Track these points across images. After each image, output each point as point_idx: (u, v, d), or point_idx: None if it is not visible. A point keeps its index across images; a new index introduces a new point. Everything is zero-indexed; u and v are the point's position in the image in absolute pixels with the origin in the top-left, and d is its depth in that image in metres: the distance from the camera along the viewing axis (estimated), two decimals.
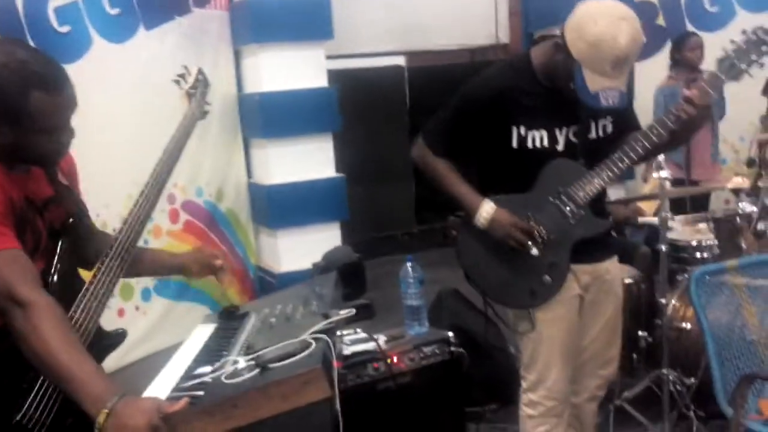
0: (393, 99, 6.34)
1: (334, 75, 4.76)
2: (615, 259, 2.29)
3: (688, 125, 2.01)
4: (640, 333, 2.94)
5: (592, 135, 2.11)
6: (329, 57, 4.74)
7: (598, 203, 2.16)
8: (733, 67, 1.99)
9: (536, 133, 2.06)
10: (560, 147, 2.08)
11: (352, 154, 5.22)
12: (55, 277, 1.53)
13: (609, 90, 1.90)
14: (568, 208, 2.06)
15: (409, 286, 2.47)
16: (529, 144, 2.07)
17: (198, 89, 1.90)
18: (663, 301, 2.80)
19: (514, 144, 2.07)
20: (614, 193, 3.93)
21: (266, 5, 4.37)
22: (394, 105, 6.37)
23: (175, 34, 4.36)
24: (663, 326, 2.79)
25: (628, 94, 1.98)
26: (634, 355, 2.99)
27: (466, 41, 5.78)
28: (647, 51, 5.32)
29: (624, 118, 2.15)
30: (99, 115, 3.94)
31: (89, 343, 1.45)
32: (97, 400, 1.25)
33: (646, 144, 2.01)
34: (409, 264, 2.46)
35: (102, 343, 1.58)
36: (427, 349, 2.45)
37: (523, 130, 2.06)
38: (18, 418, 1.35)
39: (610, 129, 2.13)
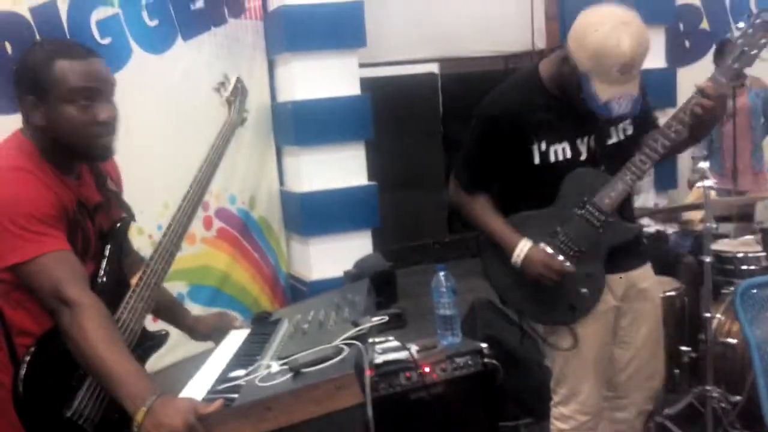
0: (426, 107, 6.32)
1: (367, 83, 4.77)
2: (649, 265, 2.25)
3: (706, 119, 1.94)
4: (683, 348, 2.85)
5: (613, 139, 2.08)
6: (362, 65, 4.74)
7: (625, 208, 2.13)
8: (743, 54, 1.93)
9: (558, 147, 2.04)
10: (583, 157, 2.06)
11: (385, 161, 5.21)
12: (104, 279, 1.58)
13: (619, 97, 1.86)
14: (595, 217, 2.03)
15: (441, 296, 2.44)
16: (552, 158, 2.05)
17: (237, 97, 1.95)
18: (707, 315, 2.70)
19: (537, 160, 2.05)
20: (657, 202, 3.83)
21: (300, 14, 4.42)
22: (427, 113, 6.35)
23: (212, 44, 4.43)
24: (707, 341, 2.69)
25: (644, 97, 1.95)
26: (677, 371, 2.90)
27: (501, 48, 5.73)
28: (691, 56, 5.22)
29: (644, 119, 2.11)
30: (138, 124, 4.01)
31: (134, 344, 1.51)
32: (136, 398, 1.30)
33: (666, 142, 1.97)
34: (441, 273, 2.43)
35: (146, 343, 1.64)
36: (459, 360, 2.41)
37: (543, 146, 2.03)
38: (68, 414, 1.40)
39: (630, 131, 2.10)
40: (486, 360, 2.44)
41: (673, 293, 2.96)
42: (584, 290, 2.05)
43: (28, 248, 1.41)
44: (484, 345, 2.47)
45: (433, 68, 6.19)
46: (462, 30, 5.52)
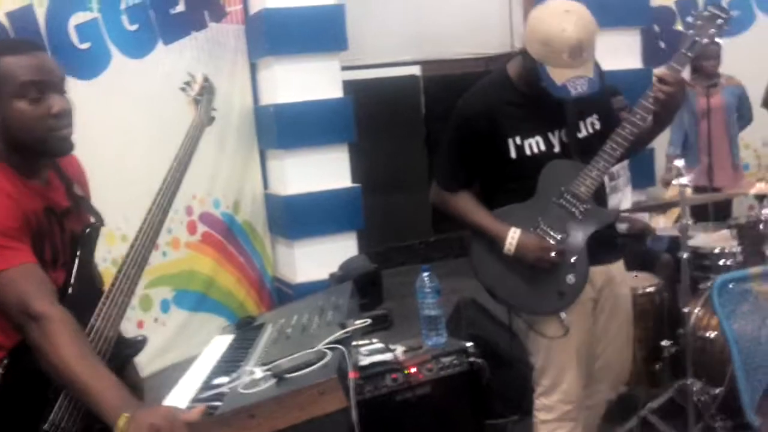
0: (408, 108, 6.33)
1: (349, 85, 4.77)
2: (622, 261, 2.33)
3: (669, 104, 2.08)
4: (663, 343, 2.88)
5: (582, 133, 2.18)
6: (345, 68, 4.75)
7: (600, 195, 2.22)
8: (695, 43, 2.08)
9: (532, 141, 2.13)
10: (557, 149, 2.14)
11: (369, 163, 5.21)
12: (75, 287, 1.54)
13: (575, 79, 1.97)
14: (573, 205, 2.11)
15: (425, 296, 2.44)
16: (527, 151, 2.13)
17: (204, 96, 1.93)
18: (686, 310, 2.74)
19: (513, 155, 2.12)
20: (635, 199, 3.87)
21: (281, 18, 4.41)
22: (410, 114, 6.36)
23: (193, 48, 4.42)
24: (686, 335, 2.74)
25: (601, 82, 2.05)
26: (658, 365, 2.94)
27: (482, 50, 5.76)
28: (667, 56, 5.27)
29: (609, 114, 2.24)
30: (118, 129, 3.99)
31: (110, 351, 1.47)
32: (117, 409, 1.28)
33: (634, 129, 2.07)
34: (425, 274, 2.44)
35: (123, 350, 1.60)
36: (445, 360, 2.41)
37: (518, 140, 2.12)
38: (45, 428, 1.37)
39: (598, 126, 2.20)
40: (472, 359, 2.45)
41: (652, 289, 2.99)
42: (570, 277, 2.11)
43: None
44: (469, 344, 2.49)
45: (415, 70, 6.20)
46: (443, 32, 5.54)
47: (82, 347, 1.34)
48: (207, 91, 1.94)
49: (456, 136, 2.19)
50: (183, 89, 1.96)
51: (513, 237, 2.11)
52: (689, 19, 2.13)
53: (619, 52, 4.74)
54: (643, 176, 4.54)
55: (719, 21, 2.08)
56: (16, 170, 1.49)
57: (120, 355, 1.57)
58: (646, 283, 3.06)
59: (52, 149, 1.52)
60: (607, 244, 2.21)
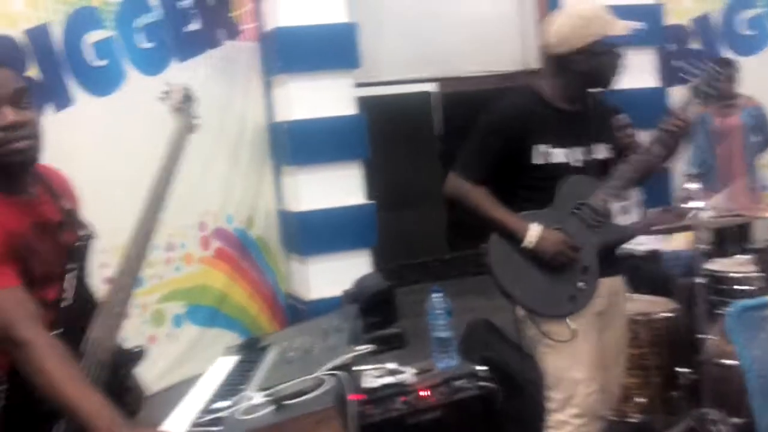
0: (422, 125, 6.32)
1: (363, 102, 4.77)
2: (621, 277, 2.42)
3: (677, 137, 2.25)
4: (680, 369, 2.81)
5: (599, 156, 2.30)
6: (359, 84, 4.75)
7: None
8: (706, 94, 2.28)
9: (554, 151, 2.22)
10: (576, 165, 2.25)
11: (383, 180, 5.20)
12: (69, 301, 1.54)
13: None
14: (591, 218, 2.21)
15: (437, 318, 2.41)
16: (549, 161, 2.22)
17: (185, 104, 1.94)
18: (703, 336, 2.67)
19: (535, 162, 2.22)
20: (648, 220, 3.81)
21: (294, 36, 4.43)
22: (423, 131, 6.35)
23: (207, 65, 4.45)
24: (704, 363, 2.66)
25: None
26: (674, 393, 2.86)
27: (495, 67, 5.75)
28: (678, 77, 5.25)
29: (625, 140, 2.36)
30: (131, 146, 4.02)
31: (110, 362, 1.48)
32: (107, 430, 1.28)
33: (646, 156, 2.23)
34: (436, 295, 2.41)
35: (122, 360, 1.59)
36: (457, 383, 2.38)
37: (542, 148, 2.21)
38: None
39: (611, 153, 2.33)
40: (484, 382, 2.41)
41: (668, 314, 2.93)
42: (581, 284, 2.19)
43: None
44: (481, 367, 2.44)
45: (428, 87, 6.19)
46: (457, 49, 5.54)
47: (68, 370, 1.34)
48: (187, 99, 1.95)
49: (486, 132, 2.27)
50: (162, 99, 1.97)
51: (535, 230, 2.17)
52: (696, 72, 2.32)
53: (635, 70, 4.69)
54: (658, 196, 4.47)
55: (720, 76, 2.29)
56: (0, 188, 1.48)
57: (120, 366, 1.56)
58: (662, 307, 2.99)
59: (8, 162, 1.48)
60: (611, 257, 2.32)
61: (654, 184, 3.71)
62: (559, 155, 2.22)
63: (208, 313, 4.49)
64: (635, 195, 3.54)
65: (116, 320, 1.49)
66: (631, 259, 3.34)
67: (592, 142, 2.27)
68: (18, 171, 1.52)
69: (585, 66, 2.19)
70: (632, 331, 2.79)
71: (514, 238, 2.19)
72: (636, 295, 3.02)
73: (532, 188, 2.22)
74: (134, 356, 1.63)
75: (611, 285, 2.29)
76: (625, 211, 3.43)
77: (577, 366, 2.18)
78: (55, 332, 1.45)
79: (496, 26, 5.61)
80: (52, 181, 1.63)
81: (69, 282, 1.55)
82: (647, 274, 3.24)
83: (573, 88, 2.24)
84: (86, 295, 1.60)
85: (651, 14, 4.96)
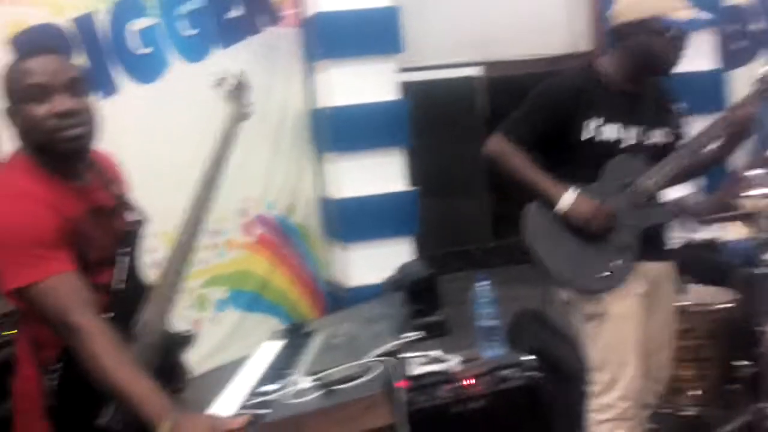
0: (467, 110, 6.23)
1: (407, 87, 4.71)
2: (671, 265, 2.37)
3: (738, 130, 2.20)
4: (738, 362, 2.71)
5: (652, 140, 2.25)
6: (404, 69, 4.68)
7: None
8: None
9: (606, 127, 2.18)
10: (628, 143, 2.20)
11: (428, 166, 5.14)
12: (121, 284, 1.58)
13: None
14: (637, 197, 2.18)
15: (482, 306, 2.38)
16: (600, 136, 2.18)
17: (238, 91, 1.95)
18: (762, 328, 2.56)
19: (584, 136, 2.18)
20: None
21: (335, 21, 4.39)
22: (469, 116, 6.25)
23: (248, 52, 4.45)
24: (763, 355, 2.55)
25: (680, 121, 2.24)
26: (731, 386, 2.76)
27: (544, 50, 5.62)
28: (738, 60, 5.04)
29: (682, 129, 2.31)
30: (175, 131, 4.06)
31: (159, 344, 1.52)
32: (158, 415, 1.31)
33: (706, 141, 2.19)
34: (481, 284, 2.37)
35: (172, 343, 1.64)
36: (503, 373, 2.32)
37: (593, 123, 2.17)
38: (101, 421, 1.42)
39: (666, 139, 2.27)
40: (530, 372, 2.36)
41: (726, 305, 2.82)
42: (618, 262, 2.16)
43: (30, 273, 1.41)
44: (529, 357, 2.39)
45: (474, 72, 6.09)
46: (504, 33, 5.42)
47: (119, 356, 1.38)
48: (240, 86, 1.96)
49: (536, 100, 2.25)
50: (216, 86, 1.99)
51: (571, 195, 2.15)
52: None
53: (692, 53, 4.53)
54: (717, 179, 4.31)
55: None
56: (55, 174, 1.52)
57: (170, 349, 1.61)
58: (720, 298, 2.88)
59: (63, 148, 1.52)
60: (659, 242, 2.28)
61: (715, 170, 3.57)
62: (610, 132, 2.18)
63: (250, 298, 4.53)
64: (693, 184, 3.41)
65: (166, 304, 1.53)
66: (688, 247, 3.23)
67: (649, 125, 2.22)
68: (73, 158, 1.55)
69: (641, 42, 2.14)
70: (688, 321, 2.72)
71: (551, 207, 2.18)
72: (693, 285, 2.93)
73: (580, 165, 2.19)
74: (184, 340, 1.69)
75: (656, 270, 2.25)
76: (684, 198, 3.30)
77: (623, 347, 2.16)
78: (107, 315, 1.48)
79: (544, 9, 5.48)
80: (103, 167, 1.66)
81: (121, 266, 1.58)
82: (705, 263, 3.12)
83: (630, 66, 2.20)
84: (137, 279, 1.64)
85: None
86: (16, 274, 1.42)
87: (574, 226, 2.16)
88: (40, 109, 1.48)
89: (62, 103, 1.49)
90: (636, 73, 2.21)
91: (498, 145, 2.27)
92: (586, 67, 2.29)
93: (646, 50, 2.15)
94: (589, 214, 2.14)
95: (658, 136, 2.25)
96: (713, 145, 2.24)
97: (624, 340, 2.16)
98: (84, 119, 1.52)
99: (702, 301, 2.86)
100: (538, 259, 2.23)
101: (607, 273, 2.16)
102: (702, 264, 3.11)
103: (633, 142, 2.21)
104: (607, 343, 2.18)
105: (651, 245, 2.21)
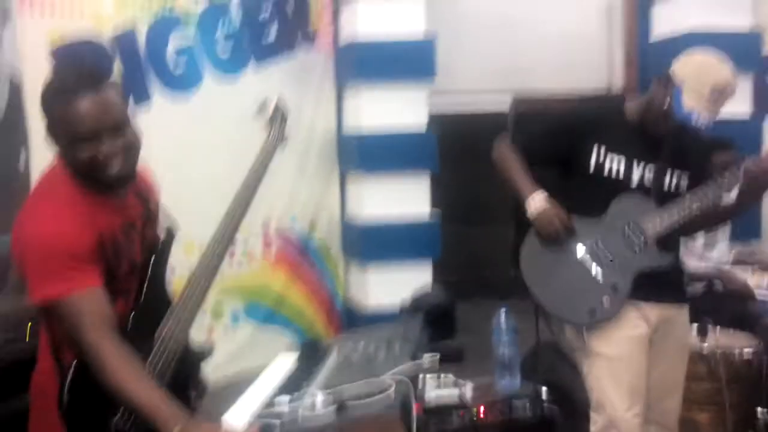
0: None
1: (436, 118, 4.71)
2: (686, 309, 2.34)
3: (755, 185, 2.13)
4: (759, 409, 2.65)
5: (665, 186, 2.21)
6: (435, 92, 4.69)
7: (668, 242, 2.23)
8: None
9: (615, 157, 2.18)
10: (634, 181, 2.20)
11: (452, 192, 5.13)
12: (147, 295, 1.60)
13: (703, 113, 2.06)
14: (635, 237, 2.16)
15: (502, 335, 2.34)
16: (605, 170, 2.19)
17: (277, 118, 1.97)
18: None
19: (591, 168, 2.19)
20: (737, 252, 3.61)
21: (371, 51, 4.43)
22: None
23: (281, 73, 4.51)
24: None
25: (704, 154, 2.20)
26: None
27: (576, 85, 5.60)
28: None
29: (701, 174, 2.23)
30: (206, 150, 4.12)
31: (180, 355, 1.54)
32: (168, 423, 1.33)
33: (718, 191, 2.13)
34: (503, 312, 2.34)
35: (191, 355, 1.66)
36: (517, 403, 2.29)
37: (603, 150, 2.18)
38: (115, 420, 1.45)
39: (684, 184, 2.22)
40: (546, 405, 2.33)
41: (749, 351, 2.77)
42: (606, 299, 2.15)
43: (57, 286, 1.44)
44: (544, 389, 2.36)
45: (503, 107, 6.08)
46: (536, 66, 5.43)
47: (132, 371, 1.41)
48: (279, 113, 1.97)
49: (552, 118, 2.31)
50: (258, 112, 2.00)
51: (539, 196, 2.18)
52: None
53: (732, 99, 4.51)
54: (746, 227, 4.24)
55: None
56: (92, 188, 1.53)
57: (189, 360, 1.62)
58: (744, 344, 2.83)
59: (107, 182, 1.54)
60: (667, 284, 2.24)
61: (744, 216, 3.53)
62: (617, 163, 2.18)
63: (265, 311, 4.53)
64: (723, 228, 3.35)
65: (189, 316, 1.54)
66: (710, 293, 3.19)
67: (665, 166, 2.19)
68: (116, 187, 1.58)
69: (662, 89, 2.15)
70: (708, 365, 2.68)
71: (547, 239, 2.20)
72: (717, 330, 2.89)
73: (590, 198, 2.21)
74: (203, 352, 1.71)
75: (661, 312, 2.22)
76: (711, 245, 3.26)
77: (619, 390, 2.15)
78: (132, 325, 1.52)
79: (579, 44, 5.46)
80: (138, 180, 1.68)
81: (150, 276, 1.61)
82: (730, 308, 3.07)
83: (654, 110, 2.18)
84: (163, 290, 1.66)
85: (748, 42, 4.74)
86: (43, 285, 1.44)
87: (537, 228, 2.20)
88: (88, 152, 1.48)
89: (110, 146, 1.49)
90: (657, 116, 2.18)
91: (498, 146, 2.35)
92: (614, 97, 2.33)
93: (660, 103, 2.15)
94: (548, 218, 2.17)
95: (672, 179, 2.22)
96: (732, 195, 2.19)
97: (617, 382, 2.15)
98: (129, 156, 1.53)
99: (724, 345, 2.81)
100: (525, 284, 2.27)
101: (594, 308, 2.17)
102: (727, 309, 3.06)
103: (638, 181, 2.20)
104: (599, 383, 2.19)
105: (656, 287, 2.18)
